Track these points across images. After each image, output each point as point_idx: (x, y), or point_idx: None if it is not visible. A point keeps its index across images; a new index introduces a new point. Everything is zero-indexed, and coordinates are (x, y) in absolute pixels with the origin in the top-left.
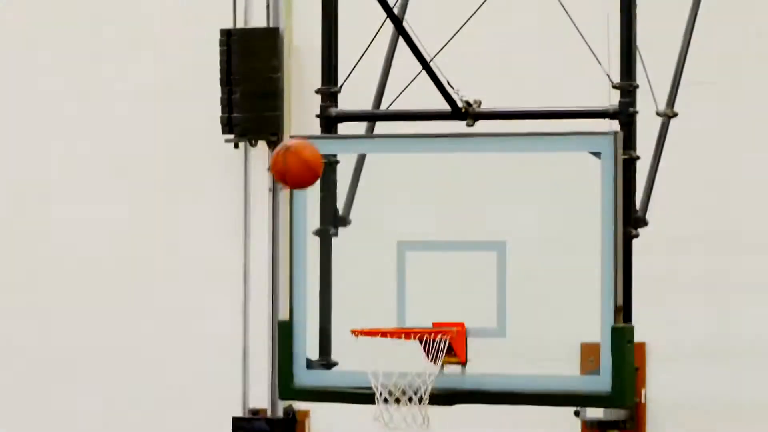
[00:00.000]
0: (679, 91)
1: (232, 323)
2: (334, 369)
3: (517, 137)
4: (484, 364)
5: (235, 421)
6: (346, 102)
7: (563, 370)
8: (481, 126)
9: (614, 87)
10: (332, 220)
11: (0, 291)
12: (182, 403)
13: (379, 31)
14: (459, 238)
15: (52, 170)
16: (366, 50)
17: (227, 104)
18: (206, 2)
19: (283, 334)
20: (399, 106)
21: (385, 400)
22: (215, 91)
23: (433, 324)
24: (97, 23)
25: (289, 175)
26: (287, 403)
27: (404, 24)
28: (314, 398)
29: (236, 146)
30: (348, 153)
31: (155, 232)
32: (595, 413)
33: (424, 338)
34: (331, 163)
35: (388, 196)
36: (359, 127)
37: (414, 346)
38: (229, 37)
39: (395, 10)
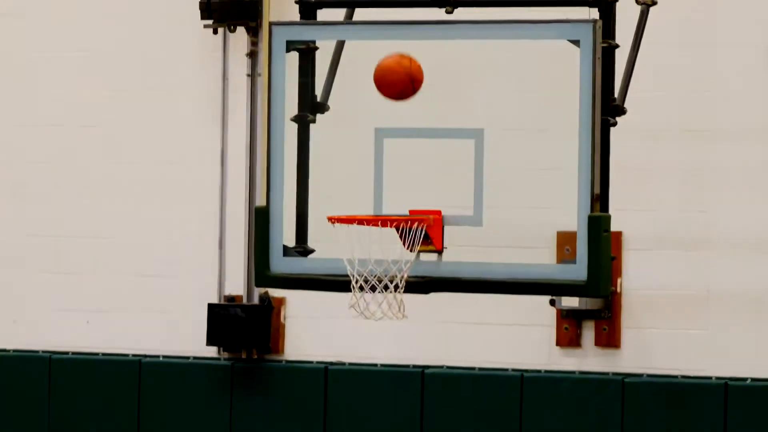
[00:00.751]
0: None
1: (209, 210)
2: (310, 256)
3: (497, 25)
4: (461, 252)
5: (211, 307)
6: None
7: (539, 258)
8: (461, 13)
9: None
10: (310, 106)
11: None
12: (157, 290)
13: None
14: (437, 125)
15: (25, 58)
16: None
17: None
18: None
19: (260, 221)
20: None
21: (361, 288)
22: None
23: (410, 212)
24: None
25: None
26: (263, 290)
27: None
28: (290, 285)
29: (215, 32)
30: (327, 39)
31: (131, 119)
32: (570, 302)
33: (401, 226)
34: (309, 50)
35: (366, 83)
36: (338, 13)
37: (390, 233)
38: None
39: None
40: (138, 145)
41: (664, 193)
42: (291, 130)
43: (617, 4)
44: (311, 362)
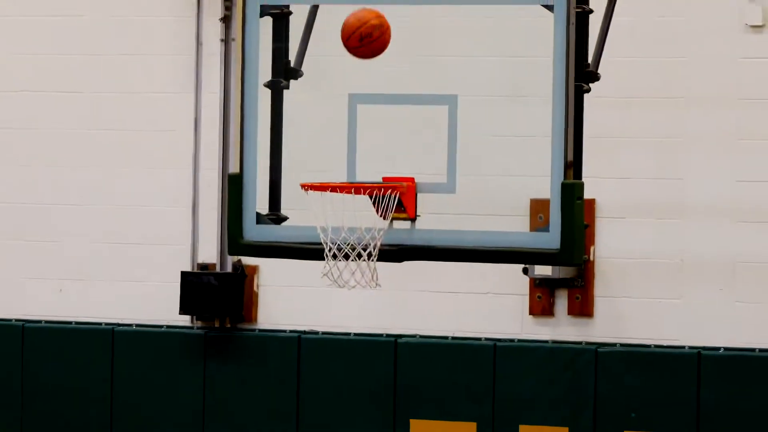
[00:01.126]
0: None
1: (182, 177)
2: (284, 224)
3: None
4: (434, 220)
5: (184, 275)
6: None
7: (513, 226)
8: None
9: None
10: (284, 72)
11: None
12: (130, 258)
13: None
14: (411, 91)
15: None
16: None
17: None
18: None
19: (233, 188)
20: None
21: (334, 256)
22: None
23: (383, 179)
24: None
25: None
26: (236, 258)
27: None
28: (263, 253)
29: None
30: (301, 3)
31: (105, 84)
32: (543, 271)
33: (374, 193)
34: (283, 14)
35: (340, 48)
36: None
37: (364, 201)
38: None
39: None
40: (111, 111)
41: (637, 161)
42: (265, 96)
43: None
44: (284, 331)
